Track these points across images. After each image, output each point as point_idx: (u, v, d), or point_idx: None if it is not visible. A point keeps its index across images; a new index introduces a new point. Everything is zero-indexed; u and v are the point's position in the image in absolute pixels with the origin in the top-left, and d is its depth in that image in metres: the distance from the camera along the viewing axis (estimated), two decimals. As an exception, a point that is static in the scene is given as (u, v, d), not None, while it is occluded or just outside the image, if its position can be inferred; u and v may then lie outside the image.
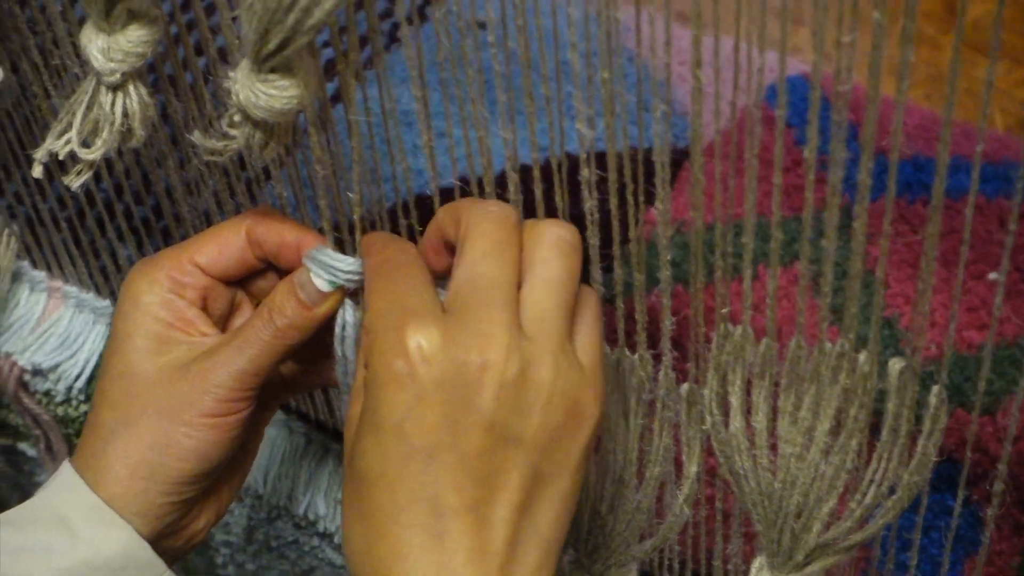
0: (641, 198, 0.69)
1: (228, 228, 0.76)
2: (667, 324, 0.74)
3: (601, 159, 0.66)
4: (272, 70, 0.65)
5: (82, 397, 1.11)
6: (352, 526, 0.63)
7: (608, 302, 0.74)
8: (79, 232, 1.04)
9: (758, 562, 0.80)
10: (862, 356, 0.69)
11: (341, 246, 0.75)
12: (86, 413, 1.11)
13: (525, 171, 0.70)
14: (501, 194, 0.70)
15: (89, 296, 1.09)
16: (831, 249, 0.64)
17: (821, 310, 0.67)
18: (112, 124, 0.73)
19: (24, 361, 1.10)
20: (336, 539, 1.07)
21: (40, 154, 0.76)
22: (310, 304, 0.73)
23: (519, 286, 0.65)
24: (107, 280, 1.07)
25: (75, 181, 0.76)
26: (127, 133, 0.74)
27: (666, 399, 0.79)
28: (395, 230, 0.76)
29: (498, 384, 0.61)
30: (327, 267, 0.72)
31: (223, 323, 0.78)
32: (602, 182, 0.68)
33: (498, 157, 0.69)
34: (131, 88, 0.73)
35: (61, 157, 0.75)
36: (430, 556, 0.60)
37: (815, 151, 0.60)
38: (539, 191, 0.70)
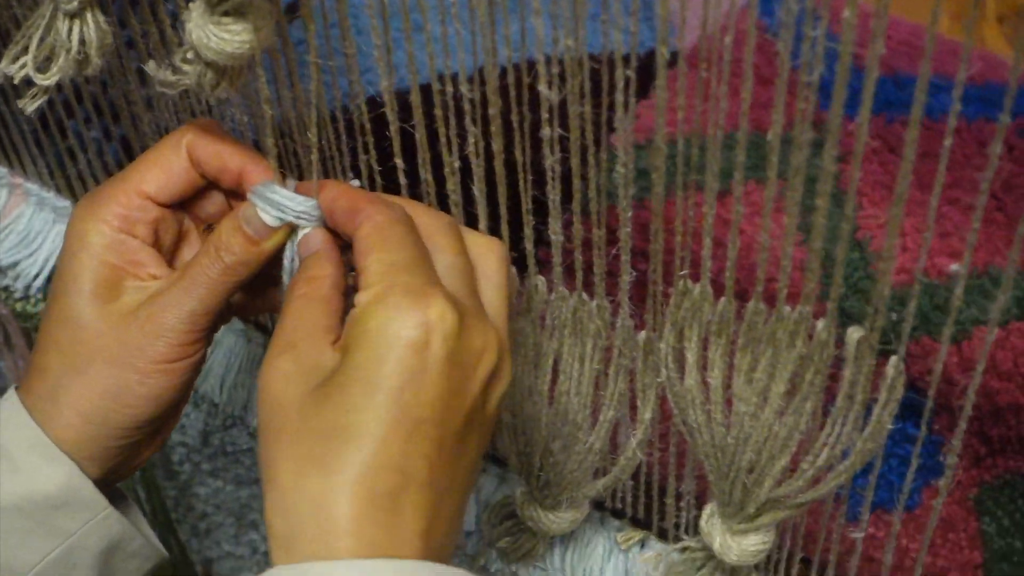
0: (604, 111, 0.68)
1: (169, 149, 0.72)
2: (625, 277, 0.74)
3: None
4: (225, 13, 0.63)
5: (40, 296, 1.10)
6: (301, 471, 0.61)
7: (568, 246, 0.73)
8: (40, 134, 1.02)
9: (709, 508, 0.81)
10: (820, 323, 0.68)
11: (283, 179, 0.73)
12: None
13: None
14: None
15: (50, 195, 1.08)
16: (801, 163, 0.62)
17: (788, 227, 0.65)
18: (68, 51, 0.71)
19: (-18, 257, 1.09)
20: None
21: (-4, 77, 0.74)
22: (257, 239, 0.71)
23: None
24: (68, 182, 1.06)
25: (30, 105, 0.75)
26: (83, 61, 0.72)
27: (622, 347, 0.78)
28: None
29: (487, 375, 0.64)
30: (277, 204, 0.70)
31: (171, 255, 0.76)
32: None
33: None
34: (88, 16, 0.71)
35: (16, 81, 0.73)
36: (382, 525, 0.60)
37: (787, 62, 0.58)
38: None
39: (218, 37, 0.63)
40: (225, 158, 0.72)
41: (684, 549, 0.84)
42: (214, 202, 0.75)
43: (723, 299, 0.72)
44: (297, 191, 0.71)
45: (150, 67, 0.69)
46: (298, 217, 0.71)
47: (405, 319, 0.61)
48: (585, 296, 0.77)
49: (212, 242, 0.71)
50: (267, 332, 1.08)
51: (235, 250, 0.71)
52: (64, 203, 1.07)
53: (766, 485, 0.76)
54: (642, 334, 0.77)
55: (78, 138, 1.00)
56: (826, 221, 0.63)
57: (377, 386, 0.61)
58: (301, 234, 0.71)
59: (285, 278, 0.73)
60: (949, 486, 0.75)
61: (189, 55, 0.66)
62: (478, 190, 0.73)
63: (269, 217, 0.71)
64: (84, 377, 0.71)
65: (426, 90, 0.70)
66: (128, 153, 0.99)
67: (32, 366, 0.73)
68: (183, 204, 0.75)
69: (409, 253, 0.65)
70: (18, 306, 1.11)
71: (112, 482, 0.75)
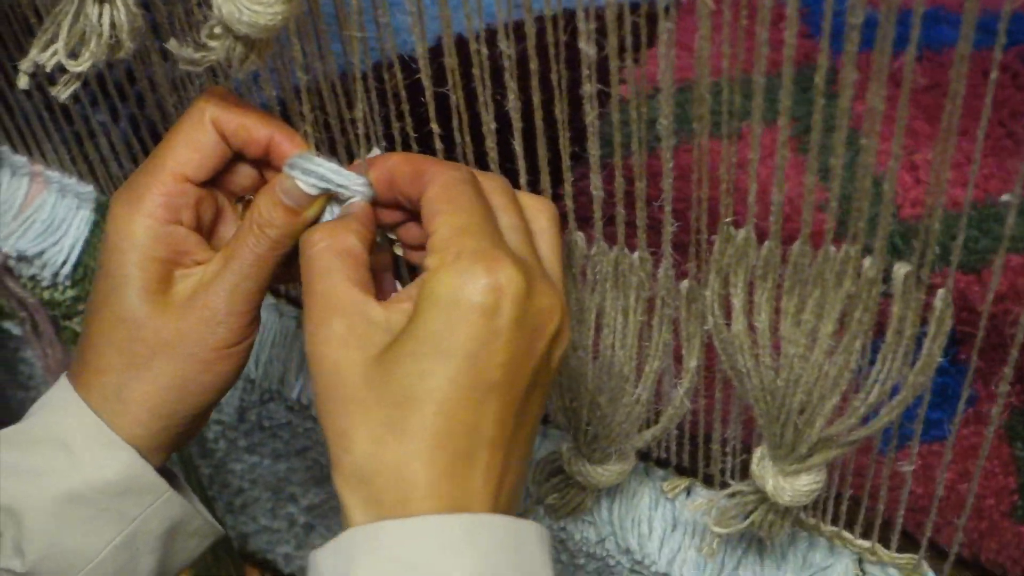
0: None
1: (195, 127, 0.71)
2: (668, 228, 0.74)
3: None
4: (259, -15, 0.63)
5: (68, 283, 1.10)
6: (378, 439, 0.61)
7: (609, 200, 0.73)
8: (61, 121, 1.02)
9: (760, 452, 0.81)
10: (867, 261, 0.69)
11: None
12: (73, 298, 1.11)
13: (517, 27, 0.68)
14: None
15: (72, 181, 1.07)
16: (818, 103, 0.63)
17: (808, 170, 0.67)
18: (100, 36, 0.71)
19: (8, 247, 1.09)
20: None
21: (25, 65, 0.74)
22: (299, 209, 0.71)
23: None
24: (91, 168, 1.05)
25: (63, 92, 0.74)
26: (116, 45, 0.72)
27: (666, 297, 0.78)
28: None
29: (552, 334, 0.64)
30: (318, 176, 0.70)
31: (210, 234, 0.75)
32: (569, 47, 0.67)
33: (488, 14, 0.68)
34: (119, 0, 0.71)
35: (48, 69, 0.73)
36: (458, 485, 0.61)
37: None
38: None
39: (251, 9, 0.63)
40: (251, 129, 0.71)
41: (735, 494, 0.85)
42: (244, 174, 0.75)
43: (768, 242, 0.72)
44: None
45: (172, 45, 0.68)
46: (340, 188, 0.71)
47: (476, 284, 0.61)
48: (626, 249, 0.77)
49: (253, 219, 0.71)
50: (299, 305, 1.08)
51: (278, 223, 0.71)
52: (87, 188, 1.07)
53: (817, 425, 0.76)
54: (684, 283, 0.78)
55: (100, 124, 1.00)
56: (866, 158, 0.63)
57: (451, 353, 0.61)
58: (340, 208, 0.72)
59: None
60: (1001, 415, 0.76)
61: (217, 30, 0.66)
62: (518, 146, 0.73)
63: (308, 187, 0.71)
64: (148, 374, 0.71)
65: (463, 47, 0.70)
66: (154, 134, 0.98)
67: (87, 364, 0.73)
68: (214, 180, 0.74)
69: (477, 215, 0.65)
70: (45, 294, 1.11)
71: (164, 463, 0.76)
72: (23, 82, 0.75)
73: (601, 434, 0.85)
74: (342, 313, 0.64)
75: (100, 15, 0.71)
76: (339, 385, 0.63)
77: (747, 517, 0.86)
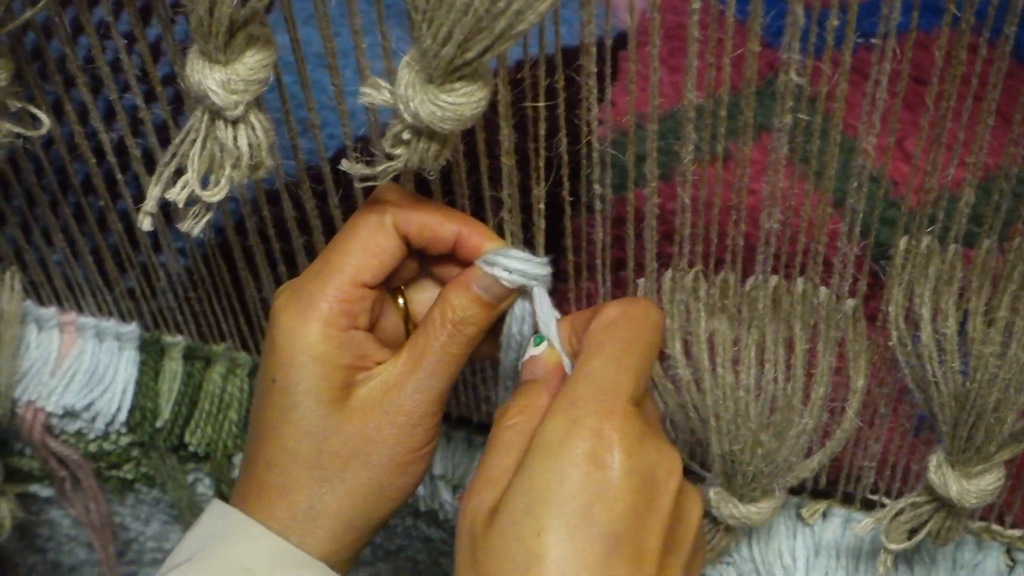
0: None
1: (375, 230, 0.69)
2: (844, 250, 0.73)
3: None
4: (459, 78, 0.60)
5: (123, 429, 1.04)
6: None
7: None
8: (92, 274, 0.97)
9: (936, 459, 0.80)
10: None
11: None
12: (128, 444, 1.05)
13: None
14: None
15: (110, 324, 1.01)
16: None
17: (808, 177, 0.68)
18: (238, 159, 0.67)
19: (52, 406, 1.02)
20: (437, 515, 1.03)
21: (150, 204, 0.70)
22: (496, 304, 0.69)
23: None
24: (135, 303, 1.00)
25: (196, 227, 0.70)
26: (255, 166, 0.68)
27: (828, 320, 0.77)
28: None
29: (676, 492, 0.63)
30: (522, 272, 0.69)
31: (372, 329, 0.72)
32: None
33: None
34: (252, 118, 0.67)
35: (180, 203, 0.68)
36: None
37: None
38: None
39: (454, 104, 0.60)
40: (435, 228, 0.69)
41: (911, 506, 0.83)
42: (406, 267, 0.72)
43: (952, 246, 0.71)
44: None
45: (345, 165, 0.65)
46: (535, 279, 0.69)
47: (583, 431, 0.61)
48: (783, 280, 0.76)
49: (447, 318, 0.69)
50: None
51: (475, 320, 0.69)
52: (128, 327, 1.01)
53: (1009, 421, 0.75)
54: (849, 302, 0.76)
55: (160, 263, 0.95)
56: None
57: (563, 504, 0.60)
58: (525, 308, 0.71)
59: (509, 339, 0.71)
60: None
61: (406, 135, 0.62)
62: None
63: (510, 283, 0.68)
64: (342, 486, 0.69)
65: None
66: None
67: (267, 487, 0.70)
68: None
69: (612, 365, 0.65)
70: (92, 446, 1.05)
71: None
72: (147, 223, 0.70)
73: (765, 471, 0.83)
74: (488, 489, 0.64)
75: (235, 138, 0.67)
76: (470, 547, 0.63)
77: (916, 530, 0.85)
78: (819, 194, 0.71)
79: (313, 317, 0.68)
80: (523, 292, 0.70)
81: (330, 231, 0.81)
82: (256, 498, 0.70)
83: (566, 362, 0.70)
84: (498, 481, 0.63)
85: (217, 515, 0.71)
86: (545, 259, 0.70)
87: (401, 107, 0.61)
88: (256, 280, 0.92)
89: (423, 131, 0.62)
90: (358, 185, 0.67)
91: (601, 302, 0.75)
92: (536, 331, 0.71)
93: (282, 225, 0.84)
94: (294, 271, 0.86)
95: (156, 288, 0.97)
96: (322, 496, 0.68)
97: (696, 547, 0.66)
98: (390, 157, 0.63)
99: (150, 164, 0.83)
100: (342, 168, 0.66)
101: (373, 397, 0.69)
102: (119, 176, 0.87)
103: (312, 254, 0.85)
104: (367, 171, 0.65)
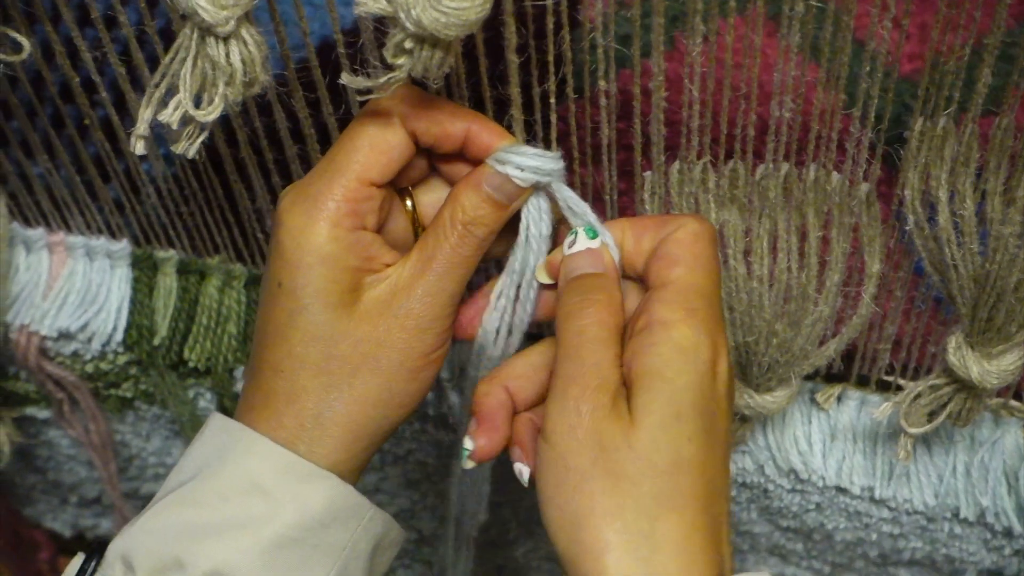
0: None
1: (381, 127, 0.66)
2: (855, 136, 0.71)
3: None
4: (458, -17, 0.57)
5: (120, 349, 1.02)
6: (652, 512, 0.59)
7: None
8: (77, 188, 0.94)
9: (955, 340, 0.79)
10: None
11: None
12: (125, 362, 1.03)
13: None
14: None
15: (100, 241, 0.99)
16: None
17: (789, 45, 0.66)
18: (232, 76, 0.64)
19: (46, 329, 1.00)
20: (447, 419, 1.01)
21: (141, 127, 0.67)
22: (507, 203, 0.67)
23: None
24: (126, 221, 0.97)
25: (191, 148, 0.68)
26: (249, 82, 0.65)
27: (841, 206, 0.76)
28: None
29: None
30: (534, 168, 0.66)
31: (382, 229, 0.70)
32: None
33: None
34: (244, 32, 0.64)
35: (174, 125, 0.66)
36: (719, 548, 0.60)
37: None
38: None
39: (457, 9, 0.58)
40: (445, 124, 0.66)
41: (930, 388, 0.82)
42: (415, 166, 0.70)
43: (970, 126, 0.70)
44: None
45: (345, 78, 0.63)
46: (549, 175, 0.67)
47: (706, 341, 0.62)
48: (795, 167, 0.74)
49: (456, 219, 0.67)
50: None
51: (486, 221, 0.67)
52: (119, 245, 0.99)
53: (1030, 299, 0.74)
54: (863, 187, 0.75)
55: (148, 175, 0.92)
56: None
57: (703, 413, 0.61)
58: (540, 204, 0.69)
59: (528, 237, 0.69)
60: None
61: (408, 44, 0.60)
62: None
63: (523, 180, 0.66)
64: (350, 392, 0.67)
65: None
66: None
67: (273, 395, 0.68)
68: None
69: (712, 279, 0.65)
70: (89, 367, 1.03)
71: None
72: (139, 147, 0.68)
73: (781, 360, 0.82)
74: (601, 390, 0.62)
75: (227, 55, 0.64)
76: (605, 461, 0.60)
77: (944, 409, 0.84)
78: (830, 79, 0.69)
79: (320, 217, 0.65)
80: (536, 189, 0.68)
81: (324, 138, 0.79)
82: (262, 407, 0.68)
83: (615, 253, 0.68)
84: (607, 381, 0.61)
85: (219, 429, 0.69)
86: (558, 153, 0.67)
87: (402, 15, 0.58)
88: (250, 191, 0.89)
89: (426, 39, 0.59)
90: (356, 99, 0.64)
91: (669, 213, 0.75)
92: (560, 227, 0.69)
93: (275, 135, 0.82)
94: (288, 181, 0.84)
95: (144, 200, 0.94)
96: (330, 403, 0.67)
97: None
98: (391, 67, 0.61)
99: (131, 72, 0.81)
100: (342, 82, 0.63)
101: (382, 300, 0.67)
102: (97, 80, 0.84)
103: (307, 163, 0.83)
104: (368, 83, 0.62)
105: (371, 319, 0.66)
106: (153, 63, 0.79)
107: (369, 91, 0.63)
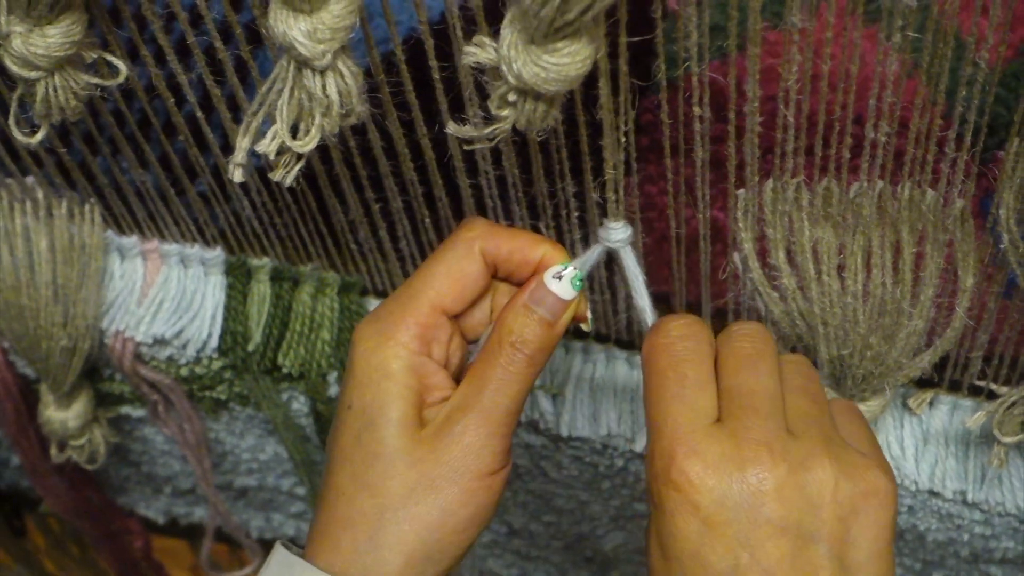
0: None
1: (461, 257, 0.68)
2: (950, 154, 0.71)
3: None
4: (563, 38, 0.57)
5: (215, 355, 1.03)
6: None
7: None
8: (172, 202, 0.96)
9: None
10: None
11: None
12: (220, 368, 1.04)
13: None
14: None
15: (195, 250, 1.00)
16: None
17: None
18: (329, 107, 0.65)
19: (141, 335, 1.01)
20: (538, 425, 1.02)
21: (239, 156, 0.68)
22: (553, 320, 0.67)
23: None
24: (221, 232, 0.98)
25: (288, 176, 0.69)
26: (346, 114, 0.66)
27: (935, 223, 0.75)
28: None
29: (777, 488, 0.60)
30: (576, 280, 0.68)
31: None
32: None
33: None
34: (340, 65, 0.65)
35: (271, 155, 0.67)
36: None
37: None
38: None
39: (558, 65, 0.58)
40: (526, 252, 0.68)
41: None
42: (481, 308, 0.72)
43: (1068, 141, 0.69)
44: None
45: (451, 128, 0.63)
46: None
47: (664, 486, 0.60)
48: (889, 185, 0.74)
49: (503, 339, 0.67)
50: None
51: (533, 339, 0.67)
52: (212, 253, 1.00)
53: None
54: (957, 204, 0.74)
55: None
56: None
57: (678, 558, 0.60)
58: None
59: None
60: None
61: (511, 96, 0.60)
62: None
63: (566, 292, 0.68)
64: (404, 514, 0.66)
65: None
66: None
67: (333, 518, 0.68)
68: None
69: (668, 404, 0.63)
70: (184, 371, 1.04)
71: None
72: (238, 175, 0.69)
73: (875, 372, 0.82)
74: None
75: (324, 87, 0.65)
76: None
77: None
78: (928, 99, 0.69)
79: (390, 337, 0.67)
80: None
81: (417, 157, 0.80)
82: (323, 534, 0.68)
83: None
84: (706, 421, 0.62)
85: (280, 562, 0.68)
86: (582, 273, 0.69)
87: (504, 68, 0.59)
88: (343, 205, 0.90)
89: (528, 92, 0.60)
90: (463, 148, 0.65)
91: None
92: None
93: (368, 153, 0.83)
94: (381, 195, 0.85)
95: (241, 217, 0.96)
96: (384, 524, 0.66)
97: (860, 508, 0.63)
98: (495, 119, 0.61)
99: (234, 110, 0.82)
100: (448, 132, 0.64)
101: (439, 422, 0.67)
102: (205, 127, 0.85)
103: (399, 179, 0.84)
104: (473, 133, 0.63)
105: (429, 440, 0.66)
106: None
107: (477, 139, 0.63)
